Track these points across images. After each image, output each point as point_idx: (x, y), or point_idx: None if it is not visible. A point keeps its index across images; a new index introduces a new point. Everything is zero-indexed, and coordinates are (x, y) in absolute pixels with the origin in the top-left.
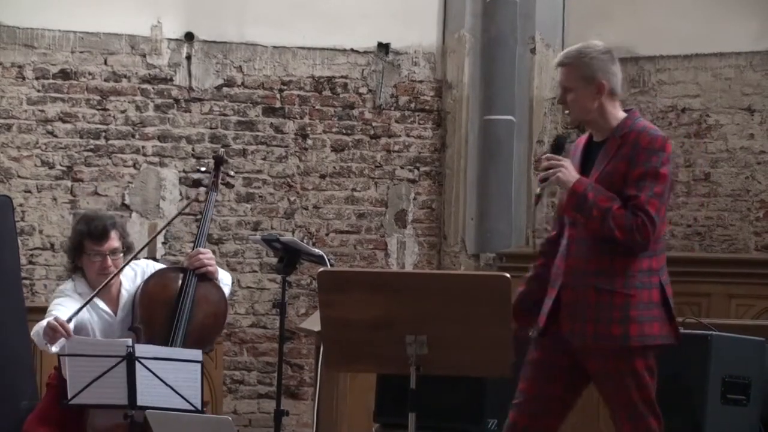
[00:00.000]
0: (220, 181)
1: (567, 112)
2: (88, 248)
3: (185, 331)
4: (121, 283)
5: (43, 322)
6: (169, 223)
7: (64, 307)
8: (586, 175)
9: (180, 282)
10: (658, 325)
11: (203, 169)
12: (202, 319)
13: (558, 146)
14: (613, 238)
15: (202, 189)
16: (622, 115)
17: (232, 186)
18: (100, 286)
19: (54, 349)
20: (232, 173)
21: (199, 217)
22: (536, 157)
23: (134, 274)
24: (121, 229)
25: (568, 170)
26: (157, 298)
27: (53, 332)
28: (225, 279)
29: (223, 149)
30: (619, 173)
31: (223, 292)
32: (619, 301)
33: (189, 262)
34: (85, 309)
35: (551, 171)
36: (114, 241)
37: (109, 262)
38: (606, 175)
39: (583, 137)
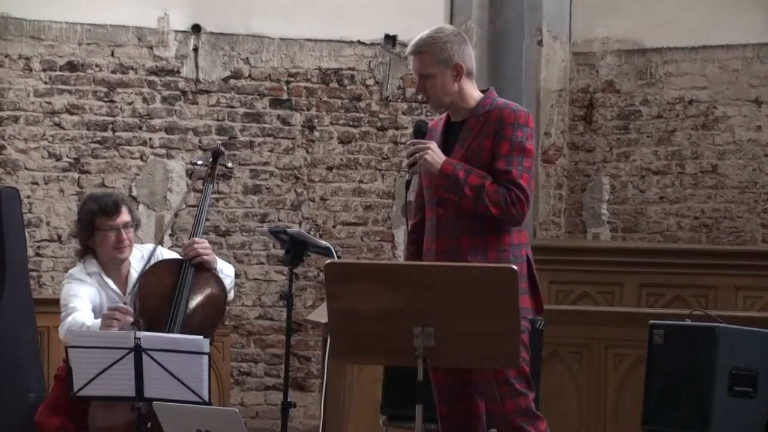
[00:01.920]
0: (217, 173)
1: (426, 99)
2: (101, 225)
3: (183, 322)
4: (130, 264)
5: (71, 319)
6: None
7: (80, 298)
8: (449, 156)
9: (177, 273)
10: (528, 299)
11: (200, 162)
12: (200, 309)
13: (419, 131)
14: (489, 214)
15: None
16: (479, 94)
17: (230, 177)
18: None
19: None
20: (230, 165)
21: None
22: (543, 148)
23: (141, 255)
24: (129, 204)
25: (435, 152)
26: (154, 291)
27: (121, 315)
28: (226, 270)
29: (220, 142)
30: (486, 150)
31: (221, 282)
32: None
33: (185, 252)
34: (96, 290)
35: (417, 155)
36: (125, 215)
37: (123, 235)
38: (472, 153)
39: (438, 119)
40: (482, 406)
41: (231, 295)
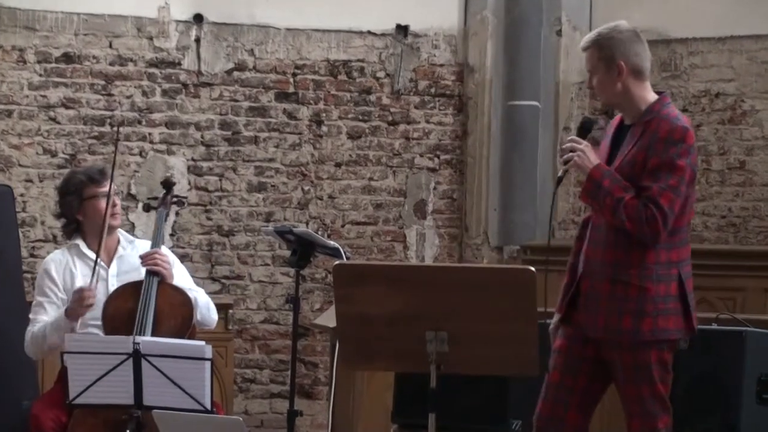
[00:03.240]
0: (170, 202)
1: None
2: (91, 193)
3: (151, 332)
4: (119, 241)
5: (34, 329)
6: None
7: (43, 304)
8: (611, 161)
9: (140, 291)
10: (673, 320)
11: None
12: (166, 319)
13: (584, 129)
14: (624, 228)
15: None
16: (652, 97)
17: (183, 205)
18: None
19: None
20: (182, 197)
21: (208, 207)
22: (562, 144)
23: (129, 242)
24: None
25: (587, 155)
26: (119, 311)
27: (82, 301)
28: (207, 302)
29: (170, 174)
30: (638, 163)
31: (185, 293)
32: (634, 293)
33: (144, 260)
34: (72, 263)
35: (568, 155)
36: (111, 185)
37: (117, 200)
38: (626, 163)
39: (617, 118)
40: (585, 420)
41: (199, 317)
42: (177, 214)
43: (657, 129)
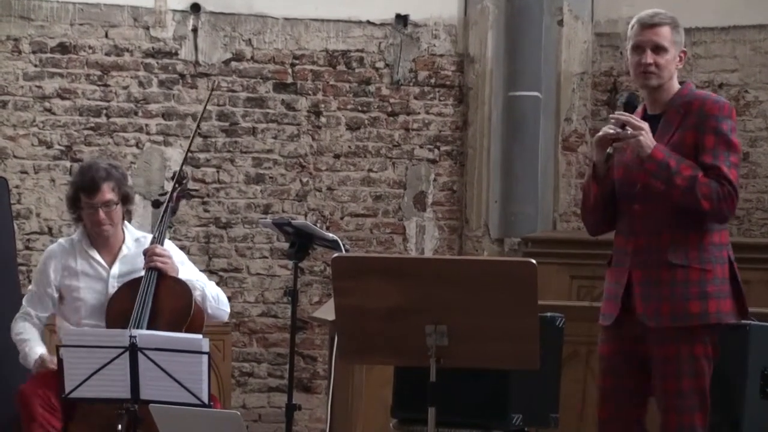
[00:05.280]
0: (177, 196)
1: (643, 72)
2: (82, 200)
3: (147, 326)
4: (124, 239)
5: (16, 329)
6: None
7: (36, 295)
8: None
9: (139, 286)
10: (730, 302)
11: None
12: (164, 314)
13: (630, 105)
14: (699, 207)
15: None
16: (677, 86)
17: (192, 197)
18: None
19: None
20: (191, 189)
21: (206, 199)
22: (563, 135)
23: (134, 240)
24: (116, 180)
25: (649, 134)
26: (122, 311)
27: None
28: (217, 294)
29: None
30: (688, 144)
31: (185, 286)
32: (695, 276)
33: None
34: (74, 258)
35: (630, 132)
36: (106, 194)
37: (101, 215)
38: (672, 147)
39: (640, 109)
40: (644, 413)
41: (210, 311)
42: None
43: (702, 107)
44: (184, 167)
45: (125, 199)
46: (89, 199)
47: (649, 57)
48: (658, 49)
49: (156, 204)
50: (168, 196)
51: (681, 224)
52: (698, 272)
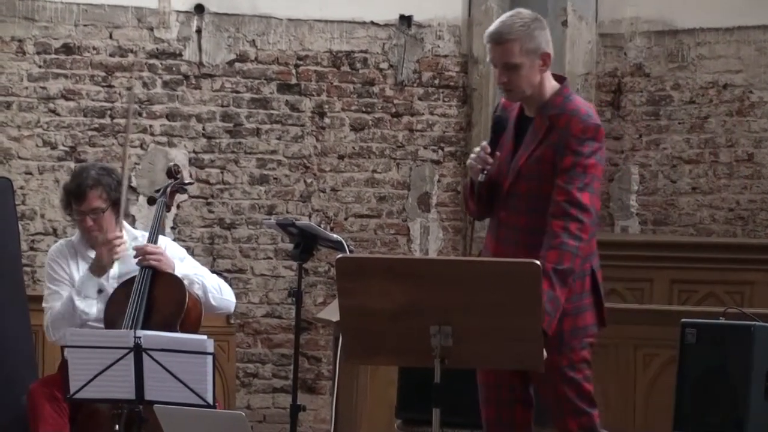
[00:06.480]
0: (171, 191)
1: (506, 91)
2: (75, 208)
3: (143, 323)
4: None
5: (53, 309)
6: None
7: (59, 291)
8: (514, 157)
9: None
10: (590, 315)
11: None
12: (160, 310)
13: (500, 126)
14: (585, 263)
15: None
16: (553, 86)
17: (185, 191)
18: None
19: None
20: (188, 180)
21: (210, 200)
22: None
23: (133, 239)
24: (105, 187)
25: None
26: (119, 312)
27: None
28: (218, 285)
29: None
30: (547, 161)
31: (179, 282)
32: None
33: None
34: (74, 260)
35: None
36: (94, 201)
37: (89, 222)
38: (534, 160)
39: (516, 108)
40: (531, 415)
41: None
42: (178, 206)
43: (568, 126)
44: (177, 164)
45: (114, 204)
46: (77, 206)
47: (503, 76)
48: (509, 66)
49: (151, 201)
50: (161, 191)
51: (537, 244)
52: None
